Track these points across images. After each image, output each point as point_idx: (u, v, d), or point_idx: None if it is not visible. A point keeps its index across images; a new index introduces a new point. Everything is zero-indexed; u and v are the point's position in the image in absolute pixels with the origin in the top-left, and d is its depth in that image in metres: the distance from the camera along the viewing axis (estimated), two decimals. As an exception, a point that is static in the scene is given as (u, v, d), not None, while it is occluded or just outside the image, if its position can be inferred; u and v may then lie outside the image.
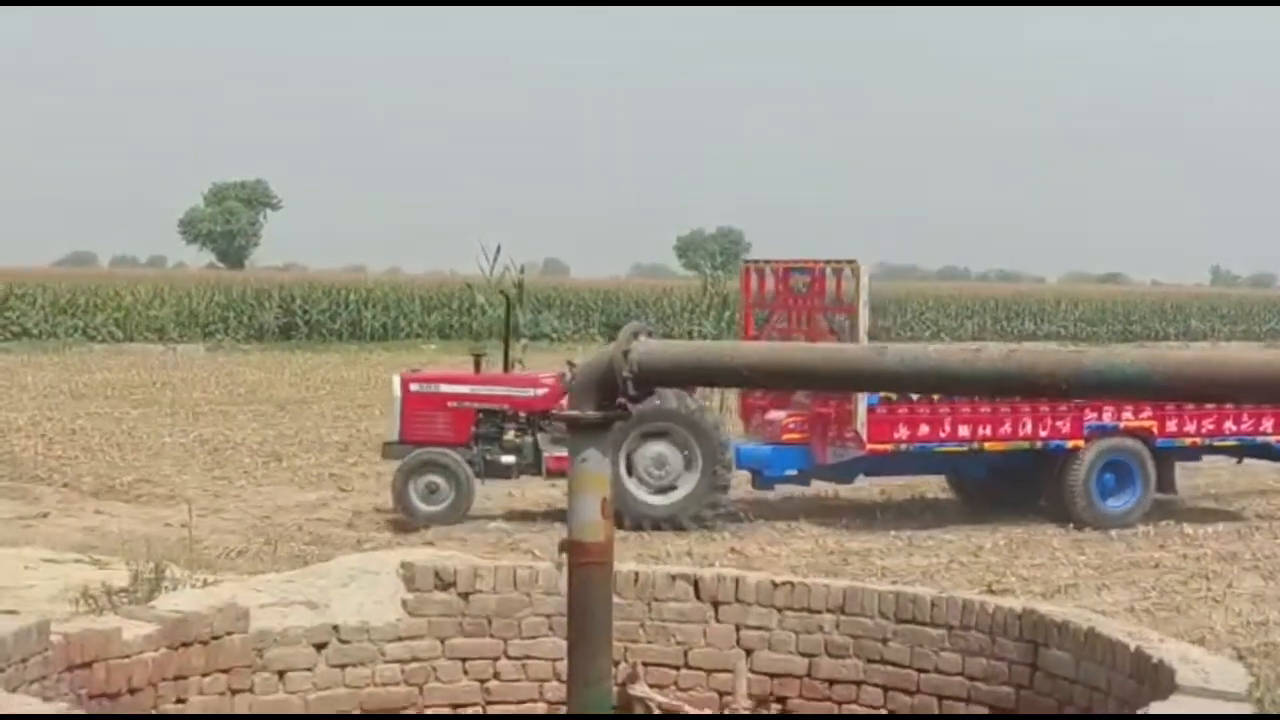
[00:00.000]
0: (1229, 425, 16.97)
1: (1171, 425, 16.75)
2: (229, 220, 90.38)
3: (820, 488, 17.61)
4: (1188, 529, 16.01)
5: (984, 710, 6.21)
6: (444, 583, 6.90)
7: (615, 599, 6.48)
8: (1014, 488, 16.89)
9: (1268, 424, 17.07)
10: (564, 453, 15.57)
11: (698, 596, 6.95)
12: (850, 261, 16.84)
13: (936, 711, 6.41)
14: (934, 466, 17.18)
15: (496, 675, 6.93)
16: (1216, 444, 17.22)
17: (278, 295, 50.43)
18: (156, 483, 18.03)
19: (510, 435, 16.03)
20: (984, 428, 16.33)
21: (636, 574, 6.97)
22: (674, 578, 7.00)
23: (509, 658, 6.94)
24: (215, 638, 6.31)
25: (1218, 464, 18.82)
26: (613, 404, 5.48)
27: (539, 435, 16.06)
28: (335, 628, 6.66)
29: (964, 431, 16.31)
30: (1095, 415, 16.49)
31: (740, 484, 16.83)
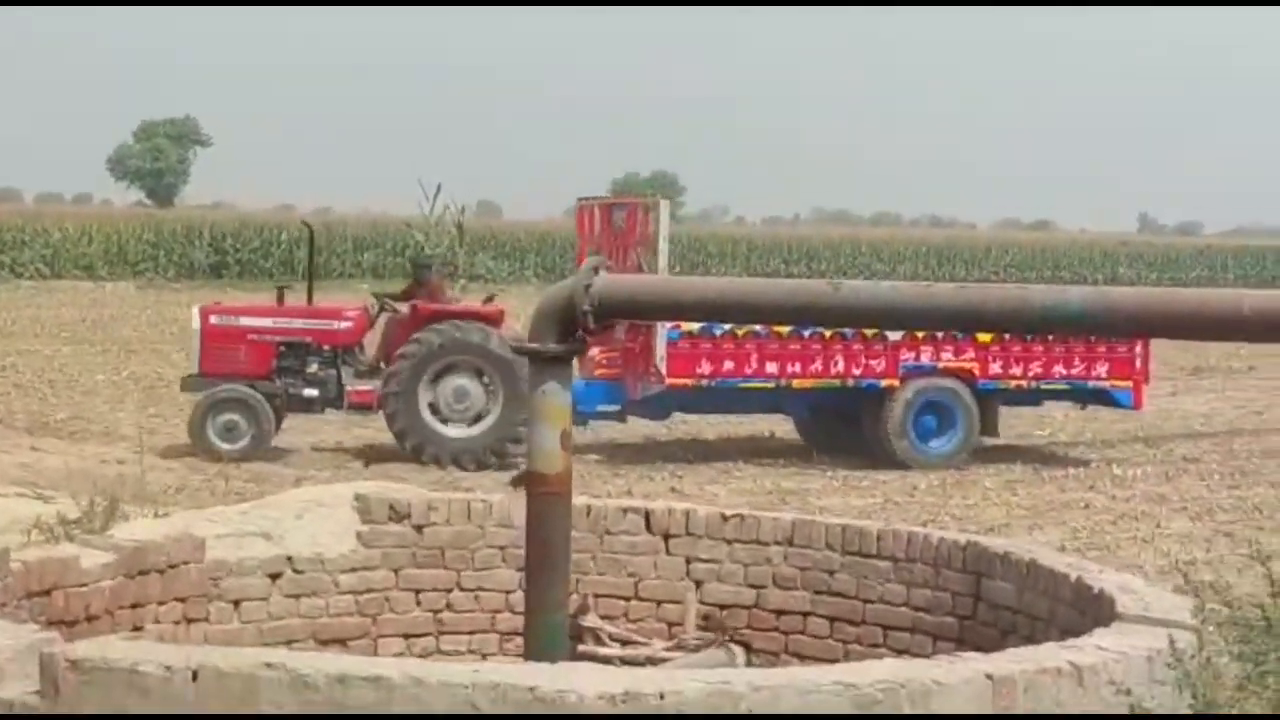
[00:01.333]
0: (1059, 369, 16.68)
1: (995, 367, 16.49)
2: (158, 157, 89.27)
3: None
4: (1116, 471, 16.27)
5: (928, 639, 6.36)
6: (398, 515, 6.97)
7: (568, 531, 6.58)
8: (845, 427, 16.72)
9: (1101, 368, 16.75)
10: (366, 387, 15.67)
11: (649, 529, 7.07)
12: (652, 196, 16.94)
13: (880, 641, 6.56)
14: (751, 404, 16.97)
15: (449, 606, 7.03)
16: (1045, 387, 16.91)
17: (208, 233, 50.00)
18: (91, 419, 17.93)
19: (313, 369, 15.79)
20: (793, 365, 16.19)
21: (589, 507, 7.08)
22: (625, 510, 7.11)
23: (462, 589, 7.04)
24: (172, 567, 6.37)
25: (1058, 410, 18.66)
26: (573, 337, 5.57)
27: (342, 369, 15.91)
28: (289, 558, 6.73)
29: (771, 368, 16.17)
30: (912, 355, 16.33)
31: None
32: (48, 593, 5.87)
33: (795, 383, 16.25)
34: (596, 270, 5.49)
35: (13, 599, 5.67)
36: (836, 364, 16.20)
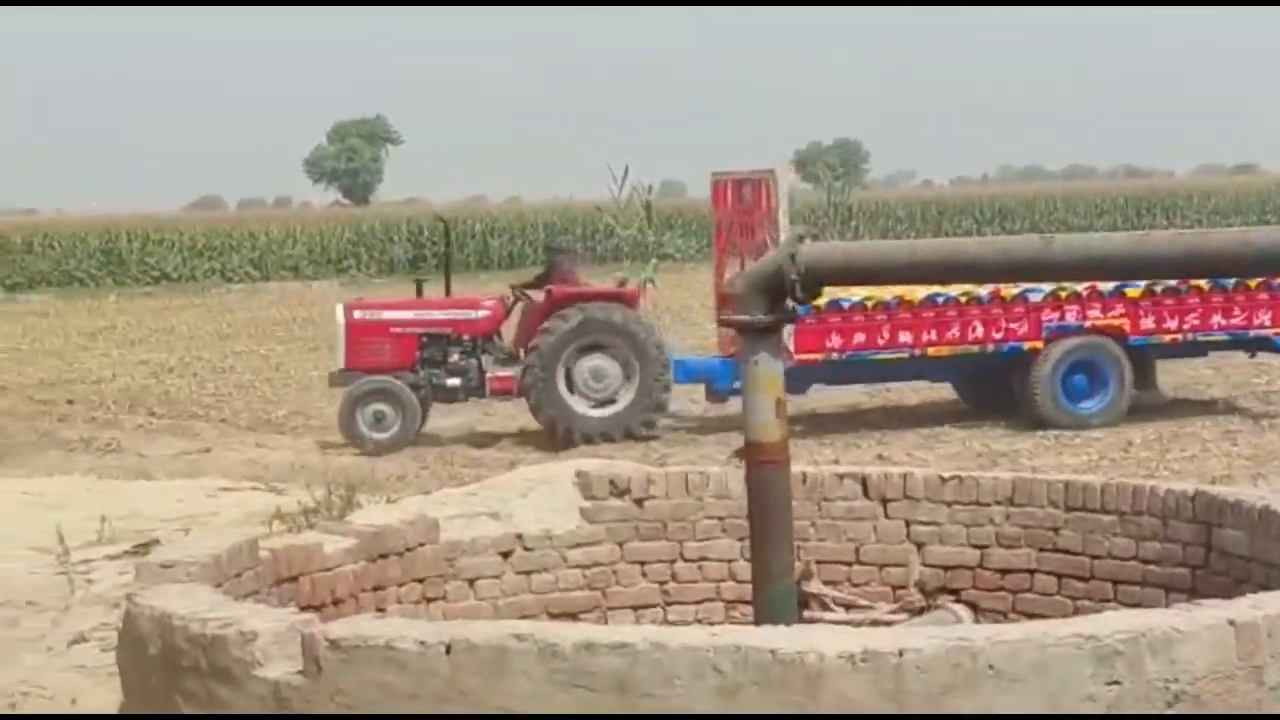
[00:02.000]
0: (1217, 319, 16.17)
1: (1148, 322, 16.07)
2: (352, 158, 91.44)
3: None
4: (1340, 415, 15.81)
5: (1160, 592, 6.31)
6: (619, 490, 7.12)
7: (785, 499, 6.66)
8: (1000, 390, 16.42)
9: (1264, 316, 16.20)
10: (506, 373, 15.89)
11: (866, 494, 7.10)
12: (769, 170, 16.50)
13: (1110, 596, 6.52)
14: (893, 373, 16.69)
15: (674, 577, 7.15)
16: (1203, 339, 16.40)
17: (405, 228, 51.07)
18: (310, 415, 18.49)
19: (455, 359, 16.09)
20: (928, 332, 15.90)
21: (805, 474, 7.13)
22: (842, 477, 7.16)
23: (685, 560, 7.16)
24: (409, 549, 6.60)
25: (1229, 358, 18.07)
26: (781, 307, 5.64)
27: (482, 358, 16.14)
28: (519, 536, 6.92)
29: (905, 338, 15.90)
30: (1056, 315, 15.91)
31: (698, 399, 16.84)
32: (295, 579, 6.14)
33: (931, 351, 16.00)
34: (802, 239, 5.56)
35: (264, 586, 5.95)
36: (975, 329, 15.92)
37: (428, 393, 15.96)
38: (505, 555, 6.91)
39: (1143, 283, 15.60)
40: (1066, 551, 6.63)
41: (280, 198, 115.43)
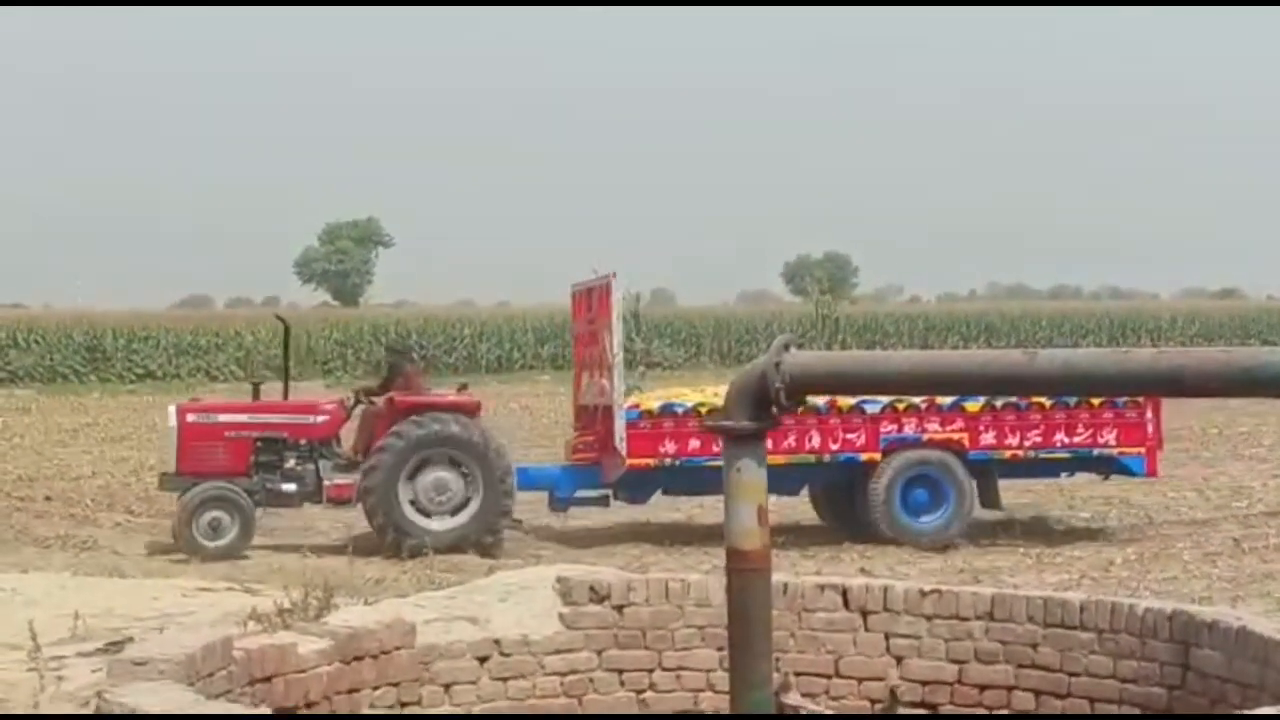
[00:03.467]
0: (1060, 437, 15.97)
1: (988, 437, 15.88)
2: (342, 259, 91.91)
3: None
4: (1322, 540, 15.81)
5: (1136, 711, 6.29)
6: (599, 596, 7.11)
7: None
8: (846, 502, 16.26)
9: (1109, 435, 16.04)
10: (346, 480, 15.51)
11: (846, 606, 7.09)
12: (606, 276, 16.36)
13: (1089, 714, 6.49)
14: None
15: (652, 686, 7.12)
16: (1045, 456, 16.15)
17: (393, 331, 51.20)
18: (287, 515, 18.39)
19: (291, 463, 15.68)
20: None
21: (785, 584, 7.13)
22: (822, 588, 7.16)
23: (664, 669, 7.13)
24: (385, 652, 6.57)
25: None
26: (766, 415, 5.67)
27: (320, 463, 15.72)
28: (497, 641, 6.90)
29: None
30: (894, 427, 15.71)
31: (540, 509, 16.63)
32: (269, 679, 6.11)
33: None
34: (787, 347, 5.60)
35: (237, 685, 5.91)
36: (811, 439, 15.72)
37: (261, 498, 15.51)
38: (482, 660, 6.88)
39: (983, 397, 15.44)
40: (1045, 668, 6.63)
41: (269, 297, 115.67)
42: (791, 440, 15.56)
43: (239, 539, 15.07)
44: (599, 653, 7.06)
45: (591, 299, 16.79)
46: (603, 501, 16.42)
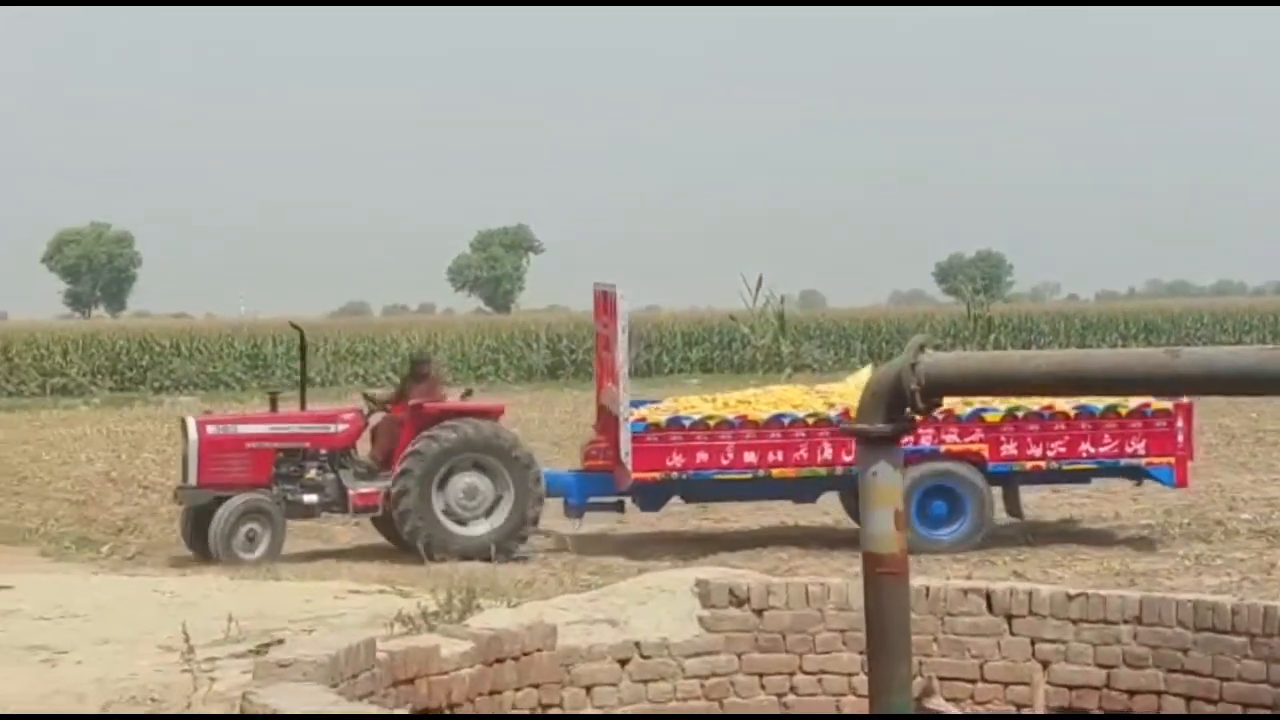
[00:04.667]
0: (1085, 447, 15.51)
1: (1009, 448, 15.43)
2: (494, 266, 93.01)
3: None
4: None
5: (1292, 718, 6.12)
6: (738, 599, 7.09)
7: (907, 613, 6.58)
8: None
9: (1137, 445, 15.55)
10: (371, 489, 15.37)
11: (990, 610, 7.00)
12: (611, 285, 16.07)
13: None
14: (741, 494, 16.10)
15: (793, 689, 7.09)
16: (1069, 467, 15.70)
17: (544, 336, 51.61)
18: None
19: (311, 474, 15.54)
20: (774, 453, 15.35)
21: (928, 588, 7.06)
22: (966, 592, 7.07)
23: (805, 673, 7.09)
24: (526, 654, 6.62)
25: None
26: (901, 416, 5.61)
27: (341, 472, 15.59)
28: (637, 644, 6.91)
29: (750, 458, 15.34)
30: (910, 439, 15.36)
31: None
32: (411, 681, 6.19)
33: (776, 472, 15.45)
34: (923, 348, 5.54)
35: (380, 687, 6.00)
36: (823, 451, 15.38)
37: (282, 509, 15.36)
38: (623, 663, 6.90)
39: (1004, 408, 15.26)
40: (1195, 673, 6.48)
41: (425, 304, 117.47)
42: (803, 452, 15.40)
43: (271, 549, 15.03)
44: (739, 656, 7.05)
45: (606, 303, 16.52)
46: (618, 508, 16.21)
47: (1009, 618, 6.95)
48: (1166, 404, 15.65)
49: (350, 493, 15.48)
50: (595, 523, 17.22)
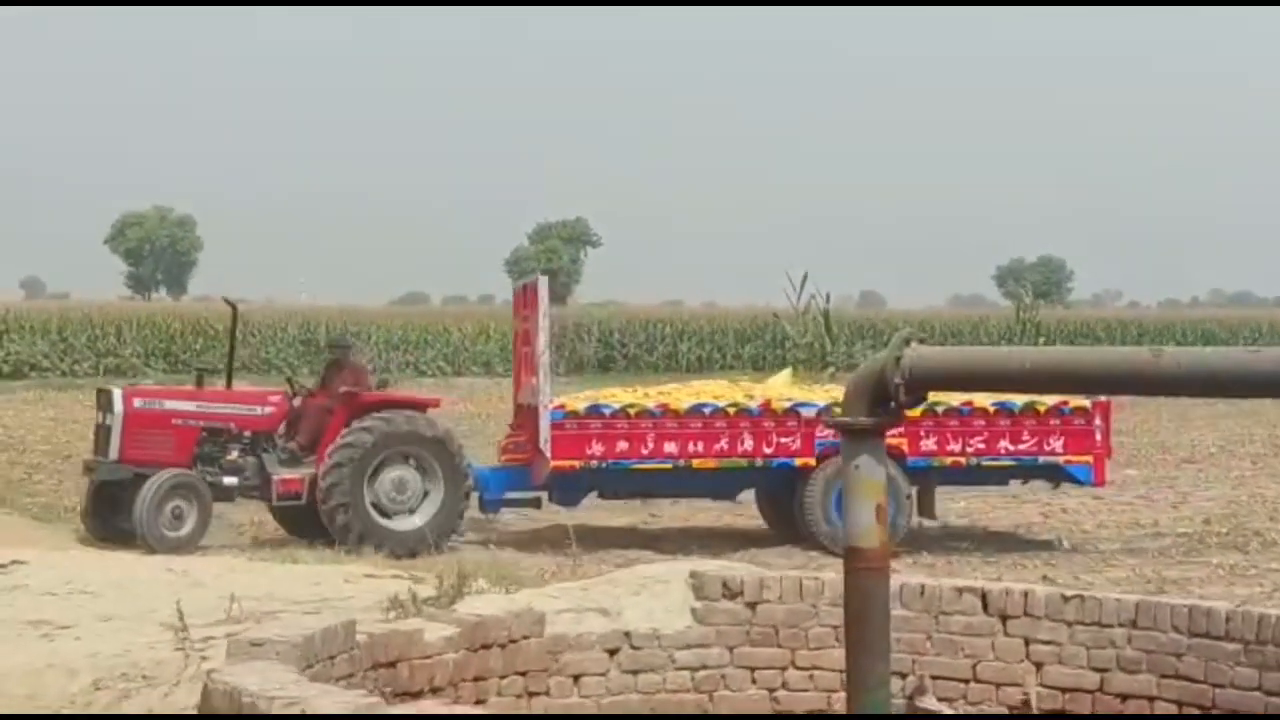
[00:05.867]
0: (1004, 444, 15.35)
1: (928, 443, 15.19)
2: (551, 258, 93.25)
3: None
4: None
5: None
6: (731, 592, 7.04)
7: (902, 611, 6.53)
8: (789, 508, 15.60)
9: (1055, 443, 15.41)
10: (295, 475, 14.83)
11: (985, 610, 6.92)
12: (534, 275, 16.08)
13: (1234, 729, 6.23)
14: (659, 485, 15.90)
15: (785, 685, 7.03)
16: (987, 464, 15.50)
17: (597, 329, 51.61)
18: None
19: (233, 456, 14.98)
20: (694, 444, 15.12)
21: (923, 586, 6.98)
22: (960, 591, 6.99)
23: (797, 667, 7.04)
24: (513, 641, 6.59)
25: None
26: (885, 410, 5.54)
27: (264, 456, 15.07)
28: (627, 634, 6.87)
29: (670, 448, 15.11)
30: (830, 432, 14.67)
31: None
32: (393, 665, 6.17)
33: (696, 463, 15.24)
34: (908, 342, 5.47)
35: (359, 669, 5.98)
36: (744, 442, 15.20)
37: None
38: (612, 653, 6.86)
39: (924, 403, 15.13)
40: (1188, 679, 6.38)
41: (484, 295, 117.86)
42: (723, 443, 15.22)
43: (197, 529, 14.55)
44: (730, 649, 7.00)
45: (527, 296, 16.50)
46: (534, 504, 15.98)
47: (1004, 618, 6.87)
48: (1084, 402, 15.53)
49: (274, 478, 14.92)
50: (626, 515, 17.18)
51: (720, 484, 15.88)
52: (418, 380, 46.79)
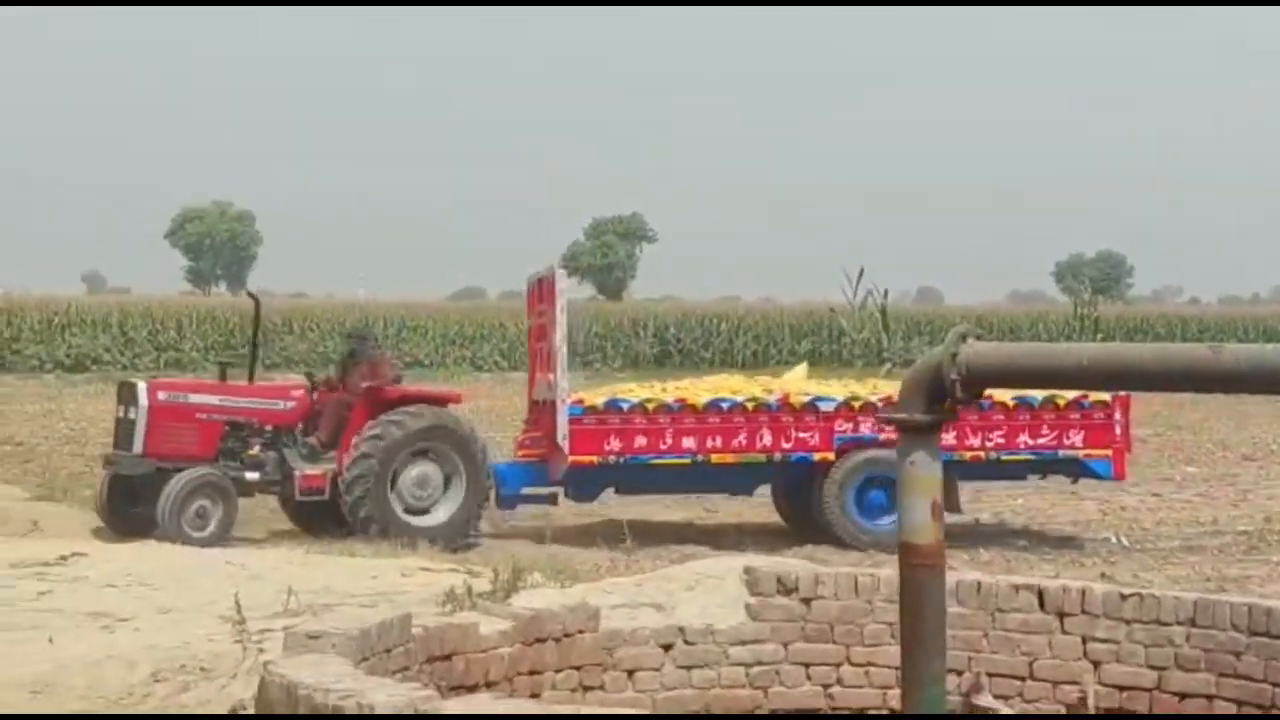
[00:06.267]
0: (1023, 438, 15.26)
1: (948, 438, 14.96)
2: (607, 254, 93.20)
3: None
4: None
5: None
6: (786, 588, 7.03)
7: (958, 609, 6.50)
8: (806, 503, 15.54)
9: (1075, 436, 15.32)
10: (317, 470, 14.64)
11: (1042, 608, 6.87)
12: (551, 268, 15.84)
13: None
14: (679, 480, 15.71)
15: (839, 681, 7.01)
16: (1007, 458, 15.41)
17: (653, 324, 51.64)
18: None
19: (255, 450, 14.81)
20: (712, 439, 15.03)
21: (979, 583, 6.95)
22: (1017, 588, 6.95)
23: (852, 664, 7.02)
24: (567, 635, 6.60)
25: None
26: (941, 406, 5.52)
27: (285, 451, 14.89)
28: (681, 629, 6.87)
29: (688, 443, 15.02)
30: (849, 426, 14.97)
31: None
32: (449, 658, 6.19)
33: (715, 458, 15.13)
34: (964, 338, 5.44)
35: (414, 663, 6.01)
36: (762, 437, 15.11)
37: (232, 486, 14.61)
38: (666, 648, 6.87)
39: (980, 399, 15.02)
40: (1247, 678, 6.31)
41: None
42: (742, 438, 15.17)
43: (221, 528, 14.29)
44: (785, 645, 6.99)
45: (542, 291, 16.30)
46: (551, 500, 15.90)
47: (1061, 616, 6.83)
48: (1105, 396, 15.39)
49: (296, 473, 14.76)
50: (682, 510, 17.17)
51: (738, 479, 15.86)
52: (475, 375, 46.93)
